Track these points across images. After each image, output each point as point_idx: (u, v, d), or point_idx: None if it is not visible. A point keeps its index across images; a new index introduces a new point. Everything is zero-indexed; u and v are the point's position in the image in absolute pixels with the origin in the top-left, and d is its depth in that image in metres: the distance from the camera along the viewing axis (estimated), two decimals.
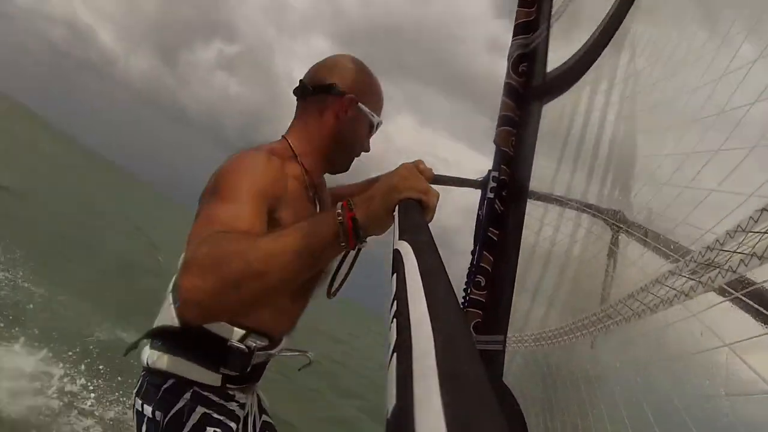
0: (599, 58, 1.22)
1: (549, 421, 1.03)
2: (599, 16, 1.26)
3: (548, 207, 1.35)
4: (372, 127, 1.30)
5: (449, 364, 0.29)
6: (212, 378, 1.21)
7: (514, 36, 1.58)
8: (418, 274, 0.44)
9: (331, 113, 1.25)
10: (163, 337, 1.24)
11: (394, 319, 0.38)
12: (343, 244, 0.81)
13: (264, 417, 1.56)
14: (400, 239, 0.57)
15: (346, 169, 1.39)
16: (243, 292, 0.78)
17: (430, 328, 0.34)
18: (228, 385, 1.24)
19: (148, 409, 1.22)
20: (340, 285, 1.28)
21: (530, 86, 1.55)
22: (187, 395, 1.20)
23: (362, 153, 1.39)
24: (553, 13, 1.47)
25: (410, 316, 0.36)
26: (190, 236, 0.90)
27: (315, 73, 1.30)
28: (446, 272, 0.47)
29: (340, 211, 0.81)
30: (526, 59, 1.56)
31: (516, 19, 1.58)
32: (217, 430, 1.21)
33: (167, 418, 1.18)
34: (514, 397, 1.38)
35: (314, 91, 1.26)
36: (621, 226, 1.16)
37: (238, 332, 1.19)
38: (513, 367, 1.40)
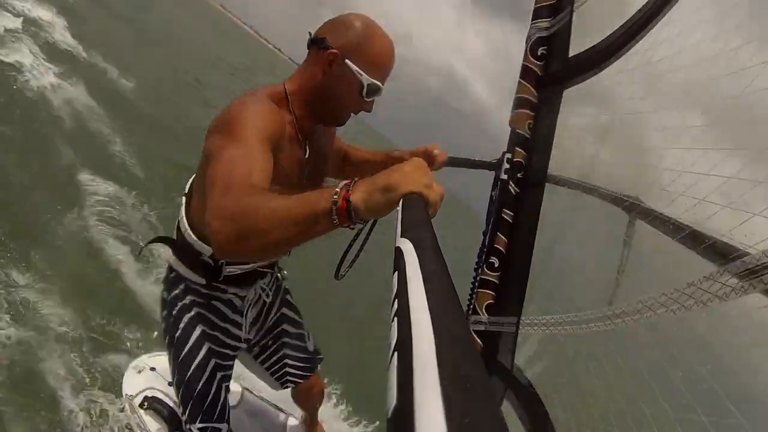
0: (630, 46, 1.24)
1: (578, 405, 1.06)
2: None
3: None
4: (363, 88, 1.28)
5: (449, 364, 0.30)
6: (197, 278, 1.56)
7: (533, 19, 1.57)
8: (420, 273, 0.44)
9: (319, 67, 1.29)
10: (169, 243, 1.61)
11: (395, 318, 0.38)
12: (336, 221, 0.83)
13: (283, 309, 1.95)
14: (402, 237, 0.57)
15: (339, 124, 1.42)
16: (251, 243, 0.88)
17: (431, 327, 0.34)
18: (214, 284, 1.57)
19: (160, 289, 1.68)
20: (349, 268, 1.31)
21: (550, 70, 1.55)
22: (182, 285, 1.59)
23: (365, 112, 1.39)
24: None
25: (411, 315, 0.36)
26: (212, 177, 1.00)
27: (320, 27, 1.34)
28: (448, 271, 0.47)
29: (338, 190, 0.83)
30: (546, 43, 1.56)
31: (536, 3, 1.57)
32: (201, 311, 1.59)
33: (168, 299, 1.62)
34: (529, 381, 1.42)
35: (312, 43, 1.32)
36: (657, 213, 1.19)
37: (208, 249, 1.47)
38: (529, 350, 1.43)
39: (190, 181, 1.54)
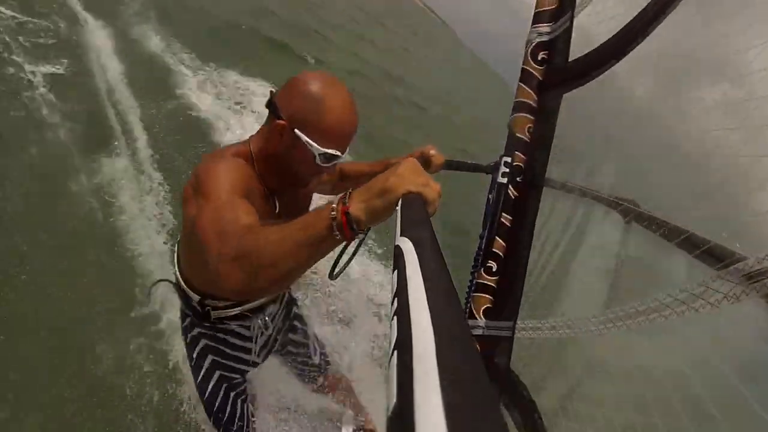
0: (630, 49, 1.24)
1: (572, 410, 1.06)
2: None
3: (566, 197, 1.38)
4: (315, 157, 1.24)
5: (449, 363, 0.30)
6: (197, 315, 1.60)
7: (533, 24, 1.57)
8: (420, 271, 0.44)
9: (273, 134, 1.26)
10: (173, 285, 1.65)
11: (395, 317, 0.38)
12: (338, 236, 0.82)
13: (290, 335, 2.04)
14: (401, 236, 0.57)
15: (301, 186, 1.38)
16: (260, 279, 0.88)
17: (430, 326, 0.34)
18: (214, 321, 1.60)
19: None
20: (344, 267, 1.31)
21: (550, 74, 1.55)
22: (188, 320, 1.67)
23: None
24: (578, 2, 1.47)
25: (411, 314, 0.36)
26: (204, 233, 1.02)
27: (280, 88, 1.29)
28: (448, 270, 0.47)
29: (334, 205, 0.83)
30: (547, 48, 1.56)
31: (536, 7, 1.58)
32: (209, 342, 1.68)
33: (182, 327, 1.73)
34: (525, 385, 1.41)
35: (268, 106, 1.27)
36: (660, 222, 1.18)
37: (196, 296, 1.52)
38: (525, 355, 1.43)
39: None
